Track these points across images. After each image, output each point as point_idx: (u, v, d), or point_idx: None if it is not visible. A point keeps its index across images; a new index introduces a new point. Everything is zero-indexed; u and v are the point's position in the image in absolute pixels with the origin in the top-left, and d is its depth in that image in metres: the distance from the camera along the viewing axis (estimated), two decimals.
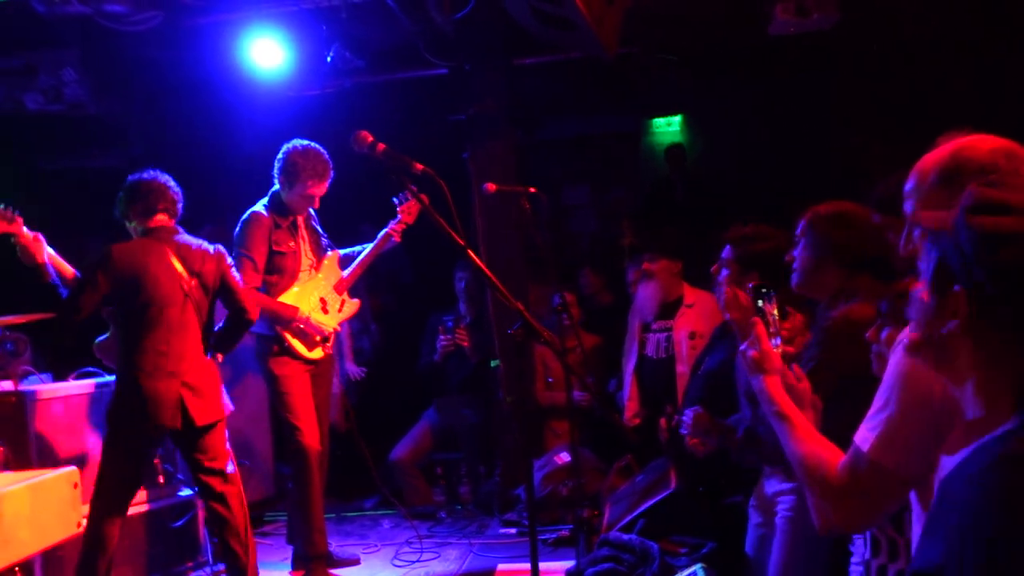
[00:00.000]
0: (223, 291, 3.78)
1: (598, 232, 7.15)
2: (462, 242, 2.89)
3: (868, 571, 2.03)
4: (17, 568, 3.17)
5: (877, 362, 1.85)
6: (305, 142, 4.14)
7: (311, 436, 4.08)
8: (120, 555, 3.92)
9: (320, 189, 4.13)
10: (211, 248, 3.76)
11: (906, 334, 1.38)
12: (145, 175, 3.73)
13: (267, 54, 5.31)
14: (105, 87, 5.84)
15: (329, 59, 5.29)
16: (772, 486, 2.87)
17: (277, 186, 4.18)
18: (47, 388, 4.01)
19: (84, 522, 1.64)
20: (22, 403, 3.77)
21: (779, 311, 2.00)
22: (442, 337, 5.44)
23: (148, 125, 6.25)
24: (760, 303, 1.97)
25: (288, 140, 4.25)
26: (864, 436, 1.55)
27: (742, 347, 1.94)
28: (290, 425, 4.08)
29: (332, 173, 4.14)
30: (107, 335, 4.01)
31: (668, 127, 7.41)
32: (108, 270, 3.52)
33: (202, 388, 3.65)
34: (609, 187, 7.24)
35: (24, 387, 3.93)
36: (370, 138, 3.06)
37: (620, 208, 7.00)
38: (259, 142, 5.76)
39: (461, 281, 5.58)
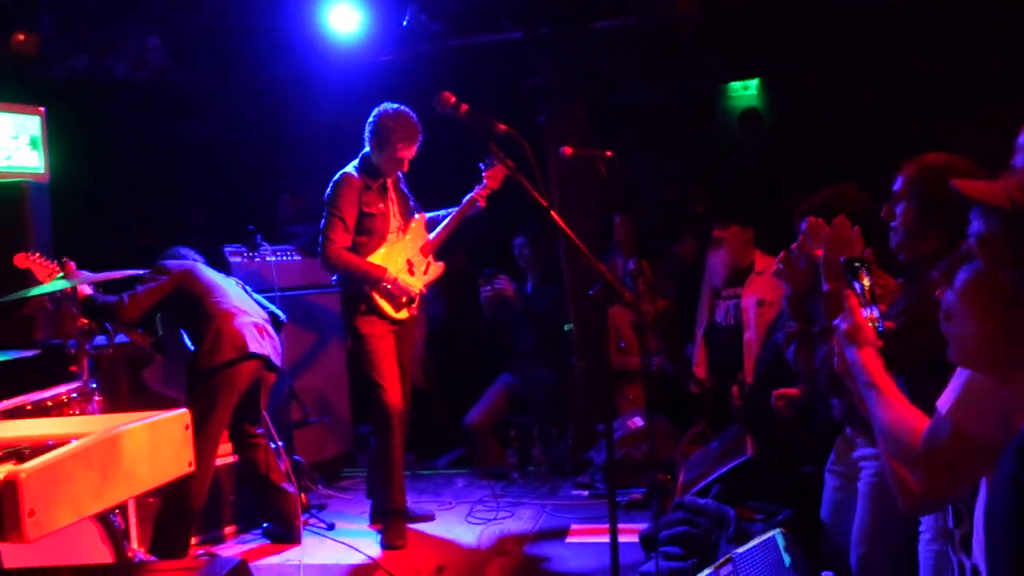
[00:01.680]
0: None
1: (670, 198, 7.06)
2: (546, 203, 2.91)
3: (952, 540, 1.99)
4: (117, 511, 3.36)
5: (944, 321, 1.80)
6: (395, 105, 4.17)
7: (394, 395, 4.17)
8: (206, 505, 4.11)
9: (409, 152, 4.17)
10: None
11: None
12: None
13: (344, 19, 5.36)
14: (187, 54, 5.99)
15: (405, 23, 5.31)
16: (857, 451, 2.83)
17: (367, 148, 4.23)
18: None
19: (194, 463, 1.72)
20: (118, 356, 3.95)
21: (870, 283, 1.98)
22: (483, 289, 5.44)
23: (228, 91, 6.39)
24: (851, 276, 1.97)
25: (363, 105, 4.29)
26: (945, 399, 1.54)
27: (836, 320, 1.93)
28: (374, 383, 4.17)
29: (421, 136, 4.17)
30: (150, 366, 4.31)
31: (745, 91, 7.24)
32: (170, 274, 4.00)
33: (271, 335, 4.11)
34: (682, 153, 7.13)
35: (120, 341, 4.11)
36: (453, 99, 3.09)
37: (694, 174, 6.90)
38: (335, 108, 5.85)
39: (518, 248, 5.60)
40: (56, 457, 1.34)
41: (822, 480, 3.09)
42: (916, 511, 2.03)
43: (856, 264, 1.99)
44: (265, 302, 4.36)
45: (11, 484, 1.25)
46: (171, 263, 4.05)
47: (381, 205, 4.28)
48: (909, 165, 2.39)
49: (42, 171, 4.54)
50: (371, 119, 4.18)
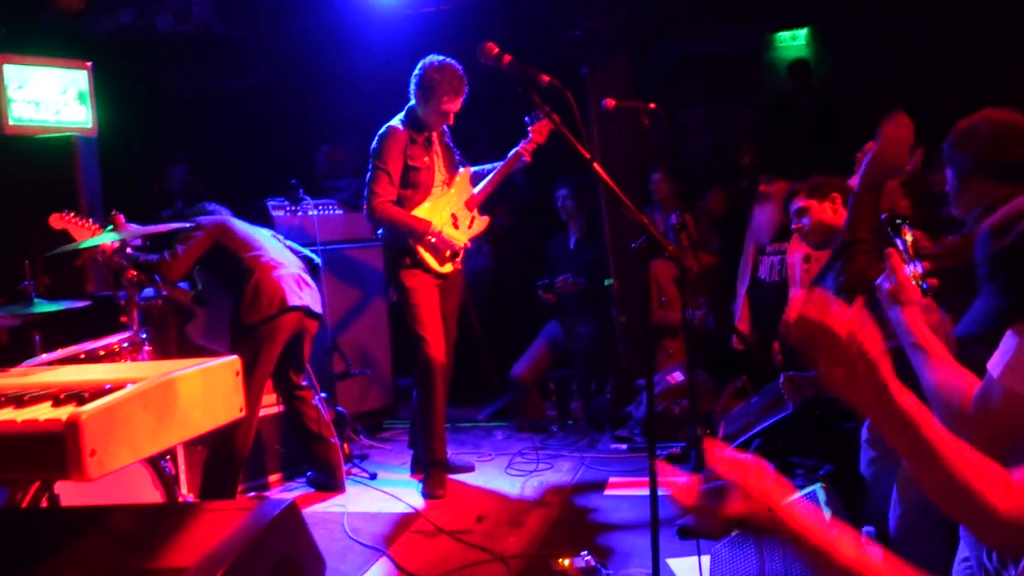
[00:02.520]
0: None
1: (716, 152, 6.96)
2: (588, 155, 2.88)
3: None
4: (168, 456, 3.46)
5: None
6: (441, 57, 4.14)
7: (437, 348, 4.21)
8: (252, 453, 4.22)
9: (455, 105, 4.15)
10: None
11: None
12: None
13: None
14: (230, 7, 5.99)
15: None
16: None
17: (413, 101, 4.23)
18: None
19: (245, 408, 1.76)
20: (167, 308, 4.04)
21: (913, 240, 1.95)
22: (544, 296, 5.55)
23: (270, 45, 6.40)
24: (893, 232, 1.94)
25: (406, 58, 4.27)
26: (996, 362, 1.51)
27: (878, 280, 1.89)
28: (417, 336, 4.21)
29: (467, 89, 4.14)
30: (191, 321, 4.41)
31: (793, 41, 7.06)
32: (206, 230, 4.03)
33: (310, 284, 4.16)
34: (729, 106, 7.00)
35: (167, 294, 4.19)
36: (496, 49, 3.05)
37: (739, 128, 6.78)
38: (378, 60, 5.84)
39: (561, 200, 5.59)
40: (115, 400, 1.38)
41: (860, 443, 3.07)
42: None
43: (898, 220, 1.95)
44: (298, 247, 4.41)
45: (73, 425, 1.29)
46: (204, 219, 4.09)
47: (426, 158, 4.28)
48: (962, 123, 2.33)
49: (90, 126, 4.59)
50: (416, 72, 4.17)
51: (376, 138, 4.23)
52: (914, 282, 1.82)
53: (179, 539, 1.45)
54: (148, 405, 1.46)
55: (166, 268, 3.90)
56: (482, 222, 4.51)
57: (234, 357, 1.69)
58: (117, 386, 1.45)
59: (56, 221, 3.60)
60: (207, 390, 1.61)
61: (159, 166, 6.32)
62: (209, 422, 1.62)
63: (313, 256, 4.46)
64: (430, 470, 4.30)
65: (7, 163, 4.30)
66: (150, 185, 5.80)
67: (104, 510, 1.62)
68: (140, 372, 1.59)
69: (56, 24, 5.37)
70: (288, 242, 4.39)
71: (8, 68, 4.27)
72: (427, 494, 4.23)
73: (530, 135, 4.33)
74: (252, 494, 4.32)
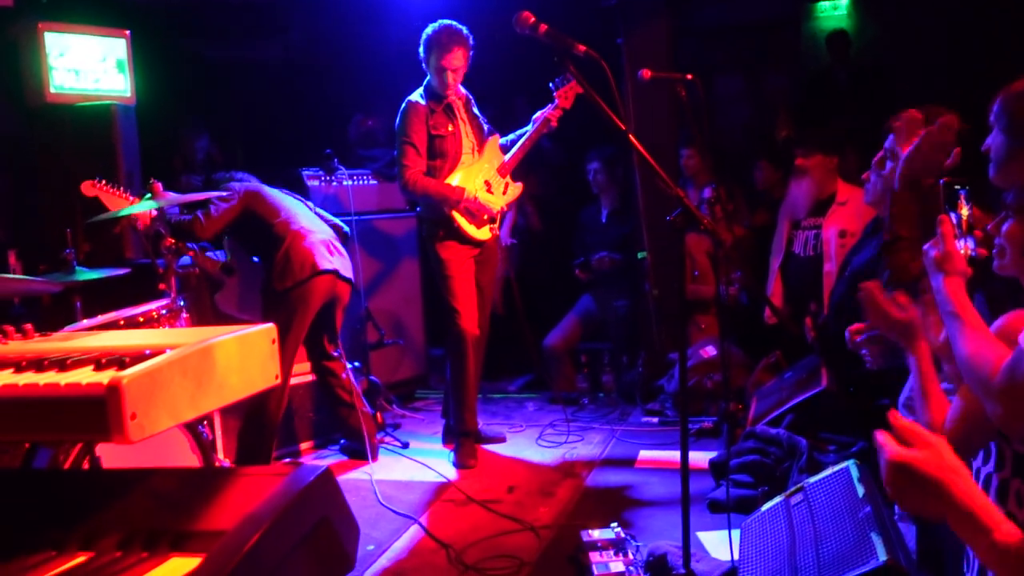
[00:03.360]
0: None
1: (752, 124, 6.85)
2: (623, 126, 2.86)
3: (988, 484, 1.94)
4: (206, 422, 3.52)
5: (998, 257, 1.75)
6: (441, 21, 4.21)
7: (469, 320, 4.23)
8: (286, 420, 4.28)
9: (450, 61, 4.16)
10: None
11: None
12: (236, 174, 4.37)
13: None
14: None
15: None
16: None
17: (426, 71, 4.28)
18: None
19: (280, 376, 1.78)
20: (203, 277, 4.09)
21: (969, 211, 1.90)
22: (580, 275, 5.58)
23: (304, 13, 6.39)
24: (949, 203, 1.89)
25: None
26: None
27: (925, 246, 1.87)
28: (450, 308, 4.24)
29: (460, 46, 4.16)
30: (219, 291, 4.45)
31: (834, 11, 6.91)
32: (238, 195, 4.09)
33: (340, 251, 4.19)
34: (765, 76, 6.88)
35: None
36: (532, 18, 3.03)
37: (776, 99, 6.66)
38: (410, 29, 5.79)
39: (592, 172, 5.56)
40: (155, 365, 1.40)
41: (900, 412, 3.03)
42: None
43: (956, 187, 1.90)
44: (327, 215, 4.44)
45: (115, 389, 1.31)
46: (236, 184, 4.14)
47: (450, 127, 4.28)
48: (1004, 90, 2.24)
49: (128, 94, 4.63)
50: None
51: (398, 114, 4.27)
52: (962, 254, 1.80)
53: (217, 502, 1.47)
54: (187, 371, 1.48)
55: (199, 228, 3.95)
56: (516, 188, 4.50)
57: (270, 325, 1.71)
58: (156, 351, 1.47)
59: (88, 189, 3.59)
60: (244, 357, 1.62)
61: (179, 138, 6.35)
62: (246, 388, 1.64)
63: (342, 224, 4.48)
64: (461, 440, 4.34)
65: (49, 131, 4.36)
66: (170, 158, 5.83)
67: (144, 473, 1.65)
68: (178, 338, 1.61)
69: None
70: (318, 210, 4.42)
71: (49, 36, 4.31)
72: (458, 464, 4.27)
73: (556, 100, 4.31)
74: (287, 460, 4.39)
